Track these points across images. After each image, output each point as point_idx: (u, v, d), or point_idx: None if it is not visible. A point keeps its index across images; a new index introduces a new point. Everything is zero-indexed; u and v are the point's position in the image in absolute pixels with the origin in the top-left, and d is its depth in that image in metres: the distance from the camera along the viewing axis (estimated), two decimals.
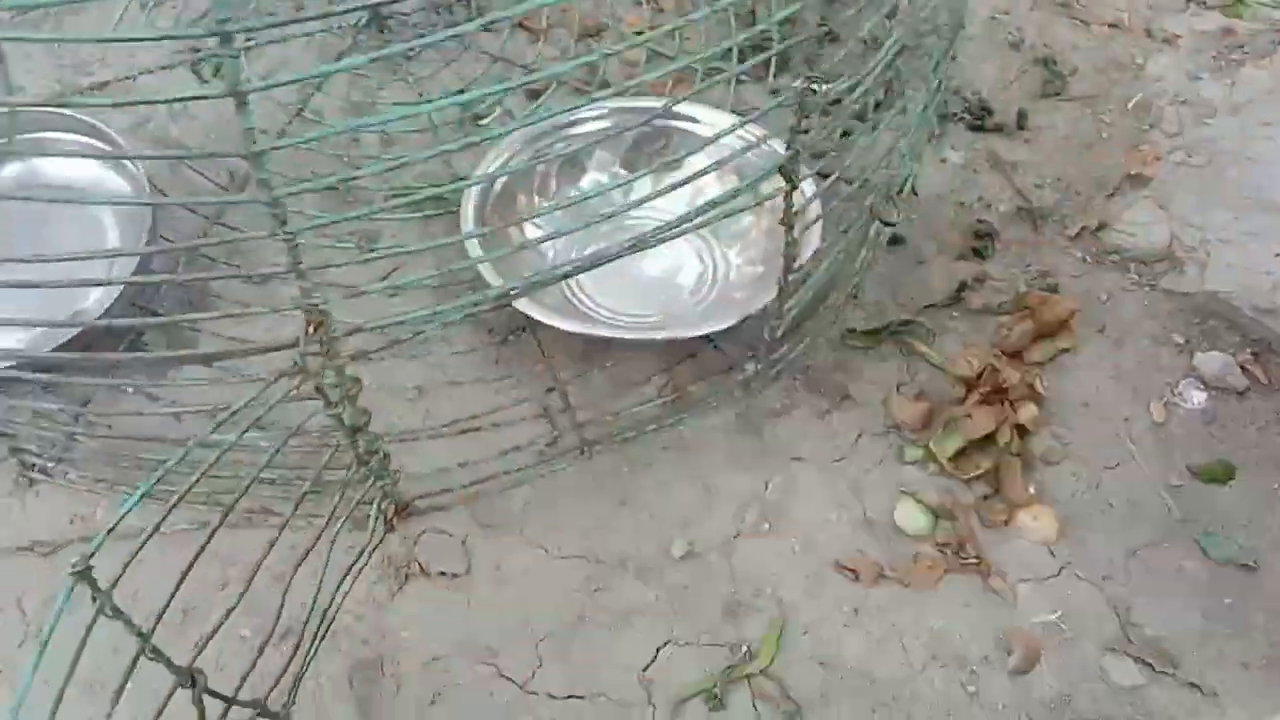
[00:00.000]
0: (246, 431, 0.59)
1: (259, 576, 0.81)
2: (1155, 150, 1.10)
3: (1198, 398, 0.94)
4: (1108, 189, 1.08)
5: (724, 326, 0.85)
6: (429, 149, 1.05)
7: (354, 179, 0.56)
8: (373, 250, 0.98)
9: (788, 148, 0.66)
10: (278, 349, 0.59)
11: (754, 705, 0.77)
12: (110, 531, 0.52)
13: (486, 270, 0.84)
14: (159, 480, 0.55)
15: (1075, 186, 1.08)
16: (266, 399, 0.59)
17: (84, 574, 0.49)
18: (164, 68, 1.06)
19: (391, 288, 0.64)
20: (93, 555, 0.50)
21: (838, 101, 0.71)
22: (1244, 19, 1.23)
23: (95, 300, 0.88)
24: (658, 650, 0.79)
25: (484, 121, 1.08)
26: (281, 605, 0.71)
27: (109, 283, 0.85)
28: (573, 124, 0.98)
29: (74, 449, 0.85)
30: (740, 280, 0.93)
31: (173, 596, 0.57)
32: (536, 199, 0.98)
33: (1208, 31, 1.21)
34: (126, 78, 1.07)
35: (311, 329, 0.59)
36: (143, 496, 0.55)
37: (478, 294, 0.61)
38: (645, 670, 0.78)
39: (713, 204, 0.65)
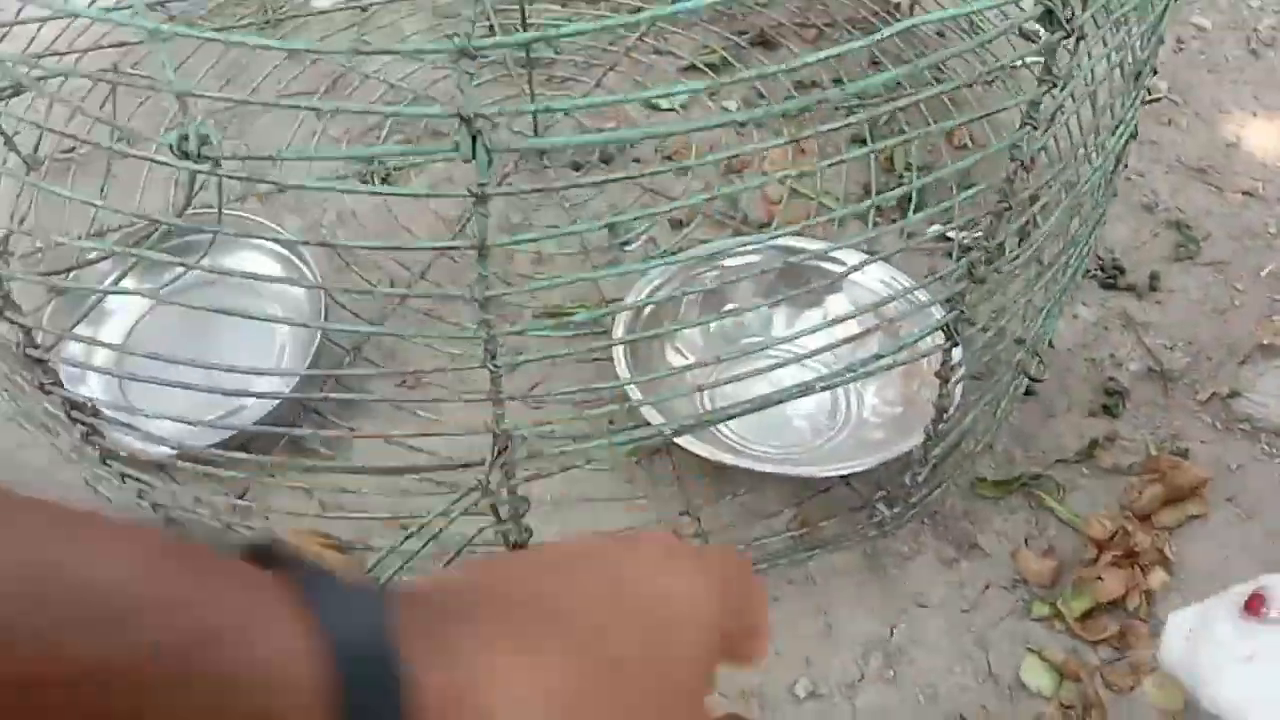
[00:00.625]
0: (428, 544, 0.62)
1: None
2: None
3: None
4: (1239, 356, 1.08)
5: (863, 468, 0.87)
6: (579, 271, 1.12)
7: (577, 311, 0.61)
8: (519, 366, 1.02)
9: (948, 307, 0.69)
10: (467, 466, 0.63)
11: None
12: None
13: (634, 391, 0.87)
14: None
15: (1206, 352, 1.09)
16: (450, 513, 0.62)
17: None
18: (340, 177, 1.14)
19: (567, 408, 0.67)
20: None
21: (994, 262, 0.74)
22: None
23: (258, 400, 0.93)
24: None
25: (630, 249, 1.13)
26: None
27: (273, 396, 0.91)
28: (720, 256, 1.02)
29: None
30: (877, 420, 0.95)
31: None
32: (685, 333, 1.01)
33: None
34: (299, 186, 1.15)
35: (498, 451, 0.62)
36: None
37: (652, 427, 0.64)
38: None
39: (877, 356, 0.68)
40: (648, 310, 0.99)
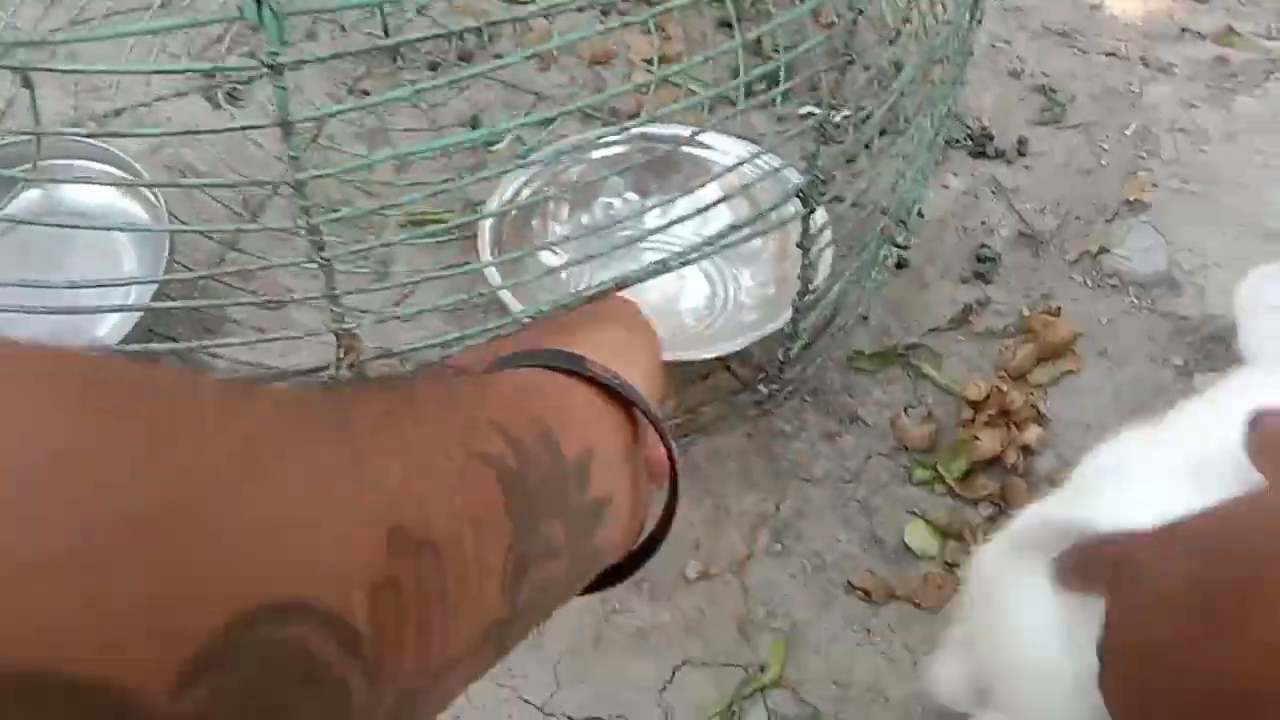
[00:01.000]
0: None
1: None
2: (1152, 177, 1.12)
3: None
4: (1107, 215, 1.10)
5: (736, 348, 0.87)
6: (442, 175, 1.08)
7: (391, 206, 0.58)
8: (387, 275, 0.99)
9: (806, 173, 0.68)
10: (313, 371, 0.60)
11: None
12: None
13: (507, 296, 0.85)
14: None
15: (1074, 212, 1.10)
16: None
17: None
18: (179, 94, 1.08)
19: (414, 312, 0.65)
20: None
21: (850, 127, 0.73)
22: (1236, 48, 1.25)
23: (112, 327, 0.89)
24: (674, 671, 0.80)
25: (495, 148, 1.10)
26: None
27: (127, 308, 0.87)
28: (587, 149, 1.00)
29: None
30: (751, 302, 0.95)
31: None
32: (551, 224, 0.99)
33: (1202, 60, 1.24)
34: (142, 104, 1.09)
35: (344, 353, 0.60)
36: None
37: (503, 319, 0.62)
38: (663, 691, 0.79)
39: (734, 227, 0.66)
40: (514, 212, 0.96)
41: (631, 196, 1.00)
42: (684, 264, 0.65)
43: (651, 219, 0.89)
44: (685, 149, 0.95)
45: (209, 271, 0.69)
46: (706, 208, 0.65)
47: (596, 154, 0.99)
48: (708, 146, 0.98)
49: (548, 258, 0.94)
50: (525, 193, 0.96)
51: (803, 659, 0.81)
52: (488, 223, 0.94)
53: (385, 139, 1.11)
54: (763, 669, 0.81)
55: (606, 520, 0.38)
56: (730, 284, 0.97)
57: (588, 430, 0.38)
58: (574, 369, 0.40)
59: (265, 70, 0.44)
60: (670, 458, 0.43)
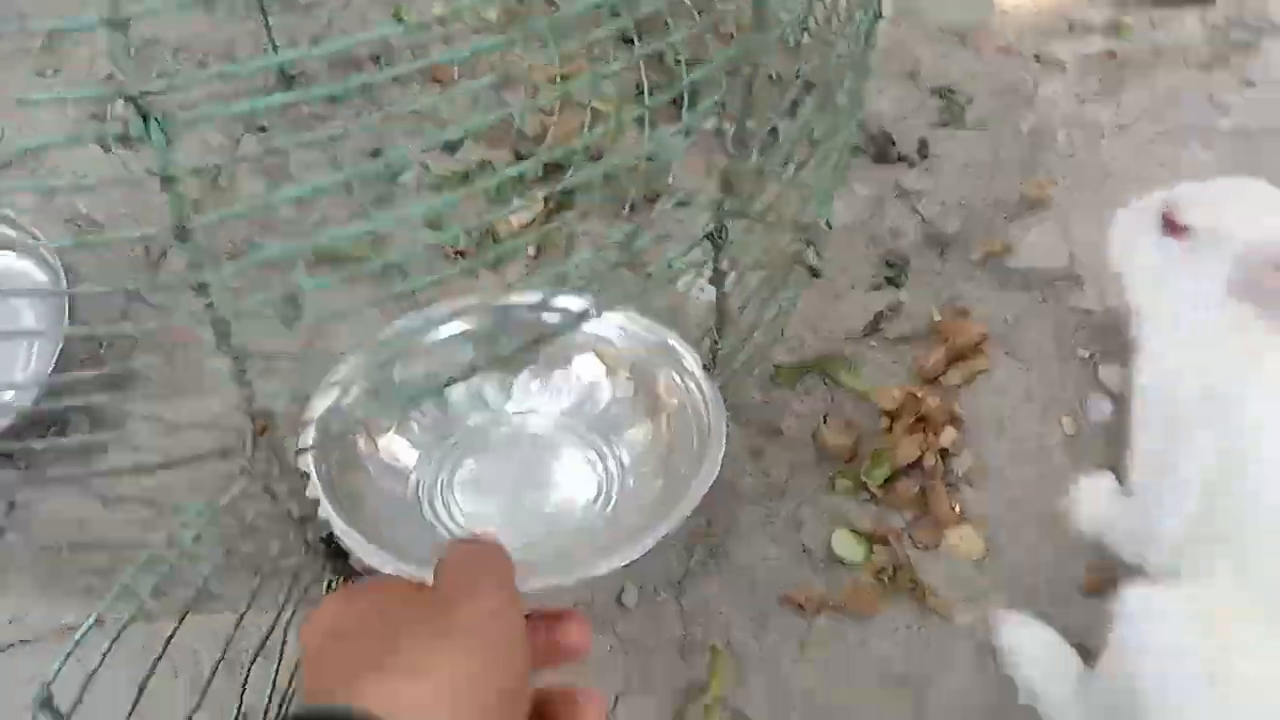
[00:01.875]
0: (196, 540, 0.59)
1: (207, 665, 0.81)
2: (1050, 174, 1.16)
3: (1104, 409, 0.99)
4: (1008, 213, 1.13)
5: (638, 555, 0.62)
6: (348, 210, 1.06)
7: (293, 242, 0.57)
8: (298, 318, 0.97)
9: (713, 219, 0.69)
10: (224, 454, 0.59)
11: None
12: (68, 656, 0.52)
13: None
14: (112, 602, 0.55)
15: (978, 212, 1.13)
16: (212, 507, 0.59)
17: (47, 703, 0.49)
18: (71, 139, 1.04)
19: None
20: (52, 682, 0.50)
21: (757, 148, 0.74)
22: (1123, 39, 1.30)
23: (12, 395, 0.87)
24: (616, 698, 0.81)
25: (401, 179, 1.08)
26: (242, 694, 0.71)
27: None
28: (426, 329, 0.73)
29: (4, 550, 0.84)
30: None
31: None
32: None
33: (1091, 55, 1.28)
34: (30, 150, 1.05)
35: (259, 433, 0.59)
36: (93, 623, 0.56)
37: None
38: None
39: (648, 275, 0.67)
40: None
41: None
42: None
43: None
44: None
45: (107, 330, 0.67)
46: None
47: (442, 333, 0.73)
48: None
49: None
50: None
51: (742, 676, 0.83)
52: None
53: (288, 176, 1.09)
54: (703, 690, 0.82)
55: None
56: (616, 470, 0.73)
57: None
58: None
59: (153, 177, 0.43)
60: None
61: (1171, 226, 0.81)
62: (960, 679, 0.83)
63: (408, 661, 0.40)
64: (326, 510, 0.62)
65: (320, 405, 0.66)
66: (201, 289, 0.50)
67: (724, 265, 0.72)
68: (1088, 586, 0.87)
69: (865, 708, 0.82)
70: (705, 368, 0.82)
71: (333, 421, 0.66)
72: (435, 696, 0.38)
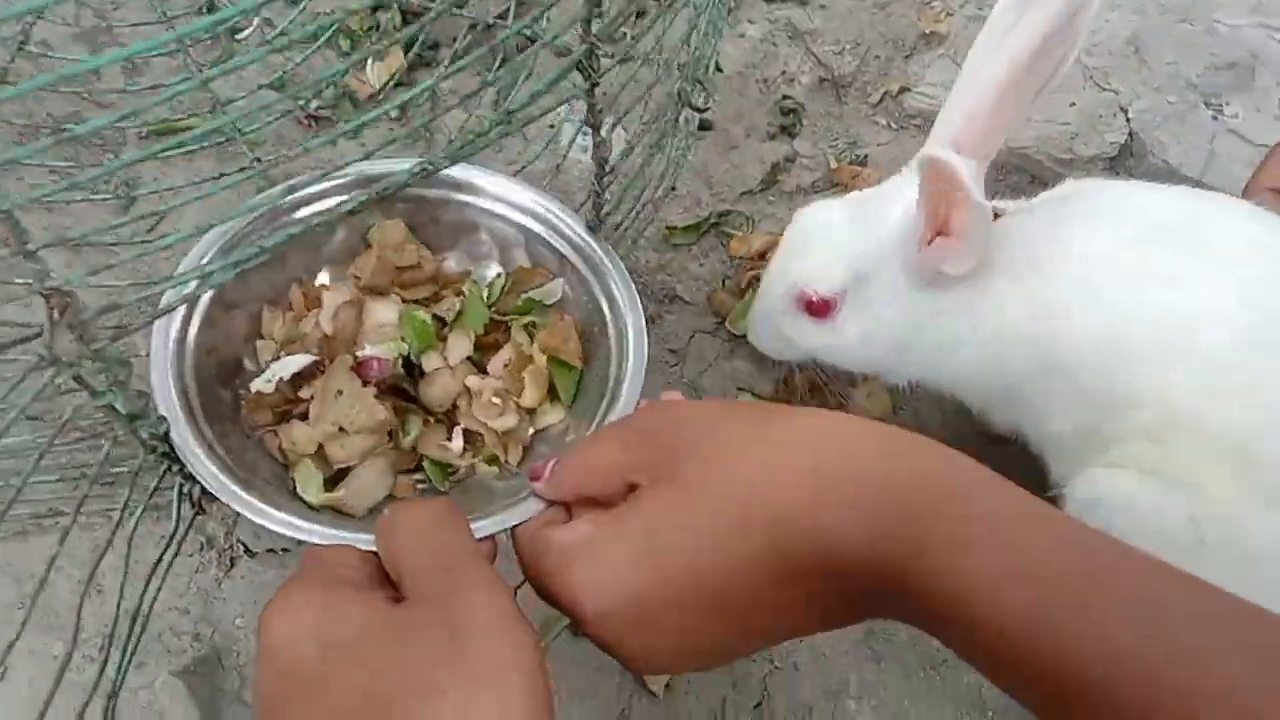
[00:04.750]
0: (3, 437, 0.50)
1: (63, 586, 0.73)
2: (946, 6, 1.09)
3: None
4: (905, 50, 1.07)
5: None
6: (182, 74, 0.94)
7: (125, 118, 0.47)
8: (134, 201, 0.87)
9: (582, 40, 0.60)
10: (24, 341, 0.50)
11: None
12: None
13: None
14: None
15: (873, 51, 1.06)
16: (14, 401, 0.50)
17: None
18: None
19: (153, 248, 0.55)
20: None
21: None
22: None
23: None
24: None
25: (241, 37, 0.96)
26: (79, 613, 0.63)
27: None
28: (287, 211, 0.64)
29: None
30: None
31: None
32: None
33: None
34: None
35: (57, 314, 0.50)
36: None
37: (256, 245, 0.53)
38: None
39: (509, 114, 0.58)
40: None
41: None
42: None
43: None
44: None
45: None
46: None
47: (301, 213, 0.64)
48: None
49: None
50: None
51: None
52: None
53: (110, 37, 0.96)
54: None
55: None
56: None
57: None
58: None
59: None
60: None
61: (817, 307, 0.71)
62: None
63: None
64: (225, 490, 0.56)
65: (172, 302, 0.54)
66: None
67: (598, 103, 0.63)
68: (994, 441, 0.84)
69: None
70: (589, 227, 0.75)
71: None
72: None
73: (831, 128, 1.01)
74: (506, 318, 0.67)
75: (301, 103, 0.92)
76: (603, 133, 0.67)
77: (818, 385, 0.86)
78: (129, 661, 0.65)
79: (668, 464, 0.42)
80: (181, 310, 0.62)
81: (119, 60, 0.43)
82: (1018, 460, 0.78)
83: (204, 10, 0.98)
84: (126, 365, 0.57)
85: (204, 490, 0.70)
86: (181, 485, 0.71)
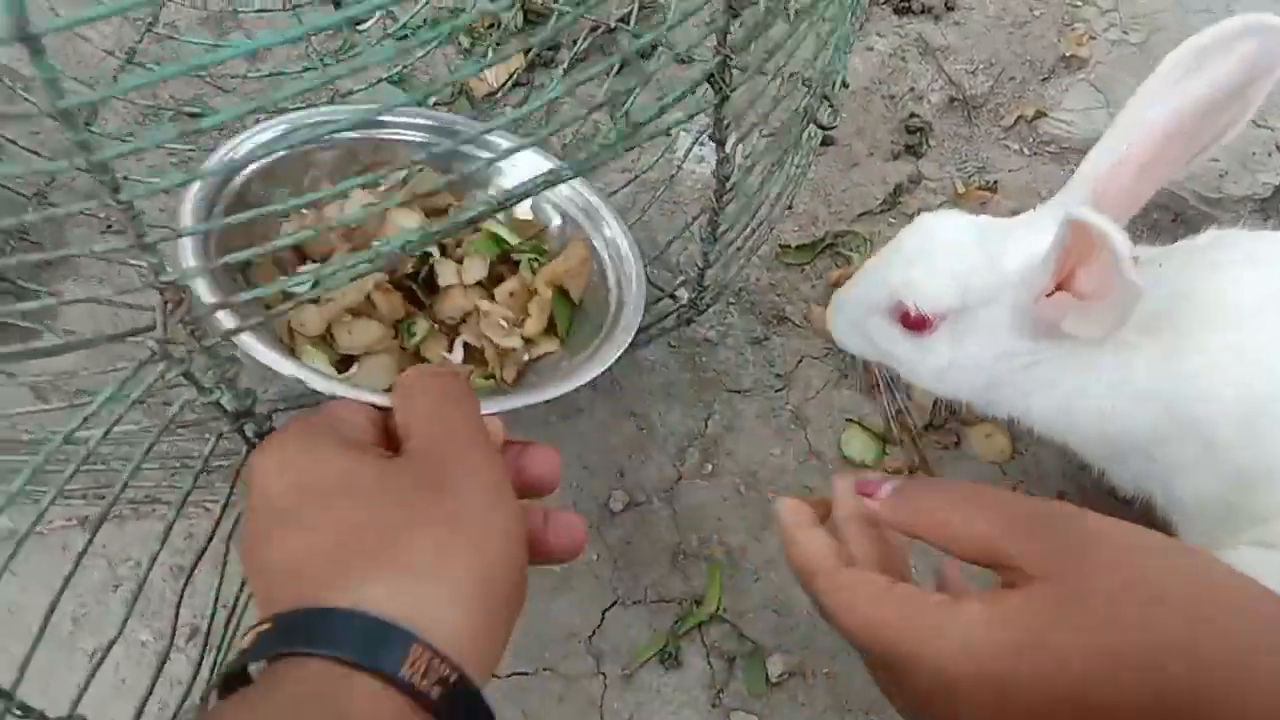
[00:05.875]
0: (115, 426, 0.50)
1: (155, 573, 0.73)
2: (1089, 28, 1.04)
3: None
4: (1041, 73, 1.01)
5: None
6: (303, 62, 0.94)
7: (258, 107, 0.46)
8: None
9: (716, 52, 0.57)
10: (134, 334, 0.49)
11: (708, 659, 0.72)
12: None
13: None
14: (21, 488, 0.46)
15: (1008, 72, 1.01)
16: (127, 394, 0.49)
17: None
18: None
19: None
20: None
21: None
22: None
23: None
24: (603, 613, 0.73)
25: (363, 28, 0.96)
26: (179, 602, 0.63)
27: None
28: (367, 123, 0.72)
29: None
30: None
31: (47, 618, 0.49)
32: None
33: None
34: None
35: (170, 308, 0.49)
36: (6, 506, 0.47)
37: (379, 246, 0.51)
38: (591, 637, 0.72)
39: (636, 125, 0.56)
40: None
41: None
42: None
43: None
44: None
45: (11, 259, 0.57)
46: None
47: (383, 134, 0.73)
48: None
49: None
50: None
51: (741, 587, 0.75)
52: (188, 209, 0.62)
53: (235, 23, 0.96)
54: (698, 602, 0.74)
55: None
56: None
57: None
58: (382, 670, 0.33)
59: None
60: None
61: (913, 322, 0.67)
62: None
63: (419, 561, 0.36)
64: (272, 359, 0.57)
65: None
66: (102, 169, 0.39)
67: (726, 118, 0.61)
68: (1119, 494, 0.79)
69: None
70: (702, 240, 0.72)
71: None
72: (451, 600, 0.36)
73: (960, 150, 0.96)
74: (516, 253, 0.71)
75: (420, 99, 0.91)
76: (727, 148, 0.64)
77: (934, 424, 0.82)
78: (224, 657, 0.65)
79: (1069, 568, 0.39)
80: (249, 146, 0.67)
81: (247, 52, 0.41)
82: (1142, 523, 0.73)
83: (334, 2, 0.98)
84: (235, 363, 0.56)
85: None
86: None
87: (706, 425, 0.81)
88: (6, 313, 0.80)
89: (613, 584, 0.74)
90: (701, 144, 0.91)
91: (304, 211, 0.71)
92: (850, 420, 0.82)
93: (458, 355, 0.68)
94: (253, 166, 0.67)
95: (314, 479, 0.40)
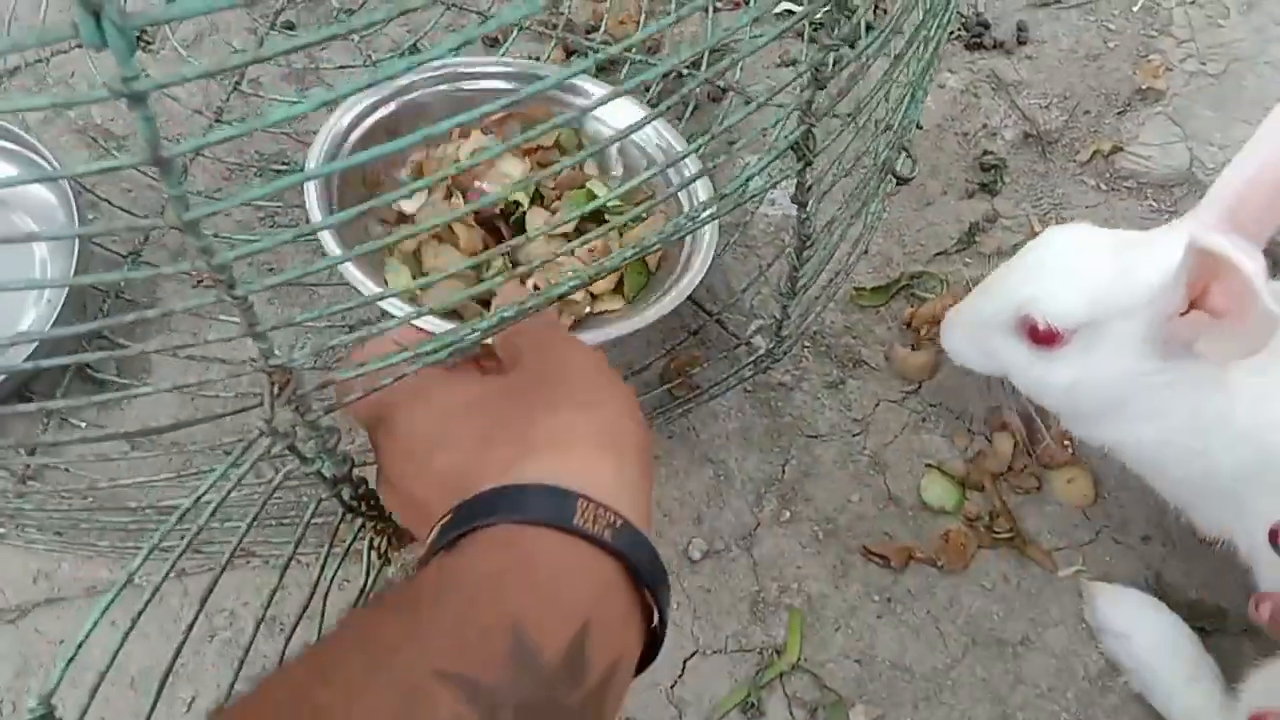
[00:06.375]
0: (221, 503, 0.52)
1: (248, 620, 0.76)
2: (1166, 60, 1.02)
3: None
4: (1117, 106, 1.00)
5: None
6: None
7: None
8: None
9: (801, 121, 0.58)
10: (244, 410, 0.51)
11: (790, 710, 0.73)
12: (70, 660, 0.45)
13: (353, 275, 0.71)
14: (127, 581, 0.48)
15: (1083, 105, 1.01)
16: (235, 473, 0.52)
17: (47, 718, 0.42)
18: (78, 45, 0.95)
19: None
20: (53, 693, 0.43)
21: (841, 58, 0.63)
22: None
23: (31, 326, 0.80)
24: (684, 663, 0.74)
25: None
26: (283, 655, 0.65)
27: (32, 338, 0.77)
28: (456, 76, 0.84)
29: (26, 507, 0.78)
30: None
31: (165, 678, 0.51)
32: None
33: None
34: (39, 60, 0.96)
35: (277, 389, 0.51)
36: (115, 598, 0.49)
37: (462, 329, 0.53)
38: (673, 687, 0.73)
39: (721, 196, 0.57)
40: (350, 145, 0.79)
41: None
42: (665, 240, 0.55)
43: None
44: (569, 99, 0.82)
45: (100, 323, 0.59)
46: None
47: (468, 85, 0.84)
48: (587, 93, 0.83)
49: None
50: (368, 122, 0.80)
51: (821, 636, 0.75)
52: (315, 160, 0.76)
53: (317, 78, 0.99)
54: (779, 652, 0.75)
55: (616, 683, 0.35)
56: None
57: (578, 607, 0.34)
58: (560, 523, 0.37)
59: (119, 98, 0.34)
60: (660, 616, 0.39)
61: (1041, 336, 0.66)
62: (1063, 639, 0.75)
63: (559, 438, 0.40)
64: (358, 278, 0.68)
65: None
66: (191, 228, 0.41)
67: (809, 182, 0.61)
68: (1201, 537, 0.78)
69: (956, 672, 0.74)
70: (781, 294, 0.72)
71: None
72: (595, 464, 0.39)
73: (1035, 186, 0.96)
74: (610, 213, 0.76)
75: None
76: (809, 209, 0.64)
77: (1014, 468, 0.81)
78: None
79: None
80: (349, 117, 0.78)
81: (326, 104, 0.42)
82: (1225, 568, 0.72)
83: (405, 52, 1.00)
84: (335, 432, 0.57)
85: (389, 541, 0.72)
86: (372, 539, 0.72)
87: (784, 471, 0.82)
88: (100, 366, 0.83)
89: (693, 633, 0.75)
90: (773, 200, 0.92)
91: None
92: (929, 465, 0.82)
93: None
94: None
95: (449, 405, 0.45)
